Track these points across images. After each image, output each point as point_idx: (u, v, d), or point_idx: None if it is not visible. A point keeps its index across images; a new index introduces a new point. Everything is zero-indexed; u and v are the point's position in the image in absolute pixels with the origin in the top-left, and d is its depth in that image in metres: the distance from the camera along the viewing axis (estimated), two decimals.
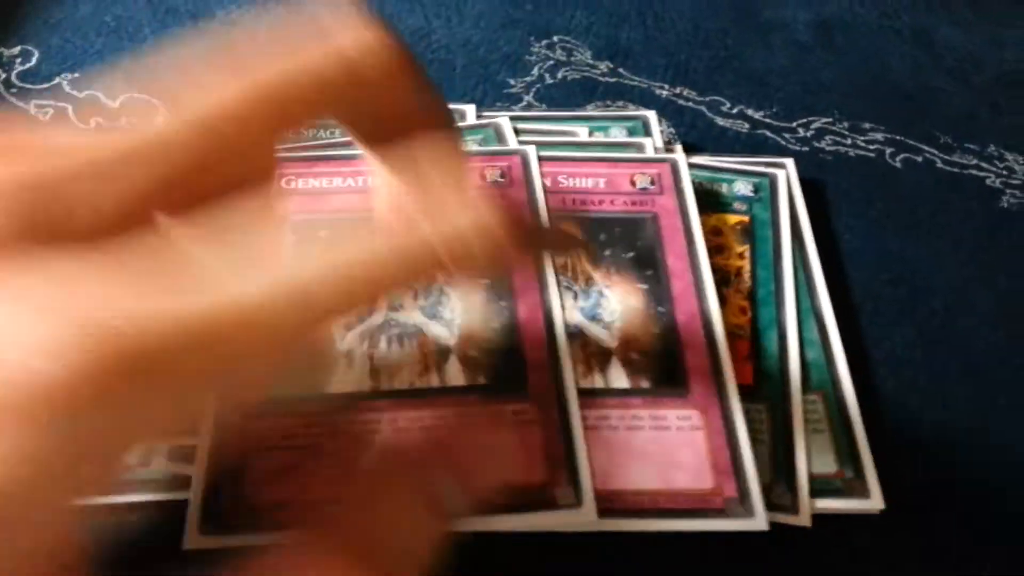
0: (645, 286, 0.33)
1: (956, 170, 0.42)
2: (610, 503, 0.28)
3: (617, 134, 0.39)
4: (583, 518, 0.28)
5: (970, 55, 0.47)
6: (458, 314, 0.32)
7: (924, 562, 0.30)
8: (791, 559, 0.29)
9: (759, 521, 0.28)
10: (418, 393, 0.30)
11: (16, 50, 0.42)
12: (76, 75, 0.42)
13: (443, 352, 0.31)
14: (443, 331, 0.32)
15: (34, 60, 0.42)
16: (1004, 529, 0.31)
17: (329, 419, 0.29)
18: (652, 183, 0.36)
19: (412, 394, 0.30)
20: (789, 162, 0.39)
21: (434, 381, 0.30)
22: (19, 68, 0.42)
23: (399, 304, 0.32)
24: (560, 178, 0.36)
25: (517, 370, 0.31)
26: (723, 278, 0.35)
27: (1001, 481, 0.32)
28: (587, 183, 0.36)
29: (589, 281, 0.33)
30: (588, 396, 0.30)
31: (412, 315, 0.32)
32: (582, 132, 0.38)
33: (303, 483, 0.28)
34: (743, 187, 0.38)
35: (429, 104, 0.19)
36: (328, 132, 0.38)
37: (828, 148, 0.42)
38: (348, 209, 0.34)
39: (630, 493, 0.28)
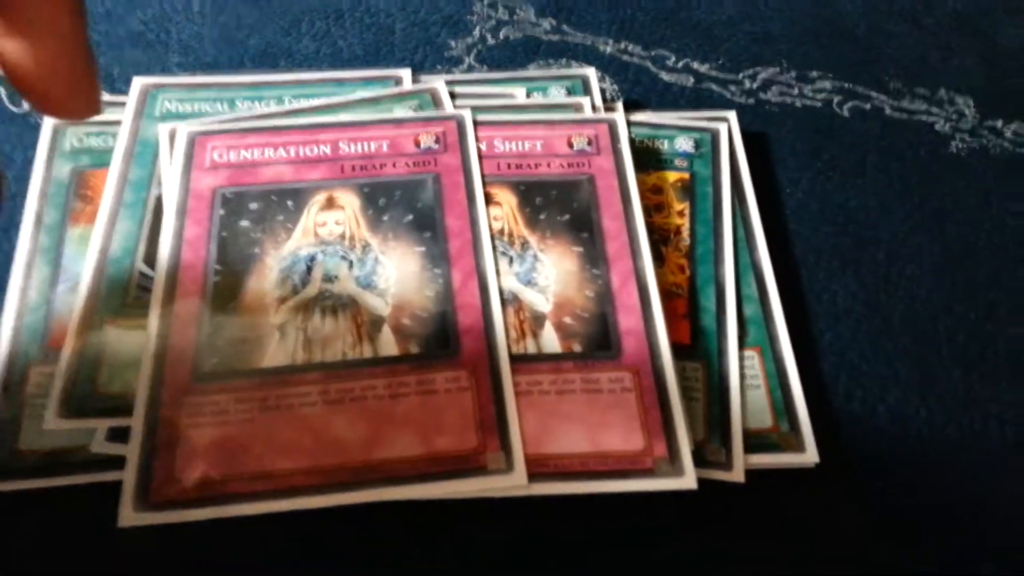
0: (580, 249, 0.33)
1: (905, 116, 0.41)
2: (540, 467, 0.28)
3: (556, 94, 0.38)
4: (514, 482, 0.28)
5: None
6: (392, 283, 0.32)
7: (859, 517, 0.30)
8: (725, 515, 0.29)
9: (688, 480, 0.28)
10: (350, 364, 0.30)
11: None
12: None
13: (376, 323, 0.31)
14: (378, 301, 0.31)
15: None
16: (940, 482, 0.31)
17: (260, 393, 0.29)
18: (589, 144, 0.35)
19: (344, 366, 0.30)
20: (731, 115, 0.39)
21: (367, 352, 0.30)
22: None
23: (334, 276, 0.32)
24: (496, 142, 0.35)
25: (450, 338, 0.30)
26: (662, 237, 0.35)
27: (940, 433, 0.32)
28: (524, 146, 0.35)
29: (525, 245, 0.33)
30: (521, 362, 0.30)
31: (347, 286, 0.32)
32: (520, 94, 0.38)
33: (236, 458, 0.28)
34: (684, 143, 0.37)
35: None
36: (263, 103, 0.37)
37: (774, 100, 0.41)
38: (279, 180, 0.34)
39: (560, 456, 0.28)
